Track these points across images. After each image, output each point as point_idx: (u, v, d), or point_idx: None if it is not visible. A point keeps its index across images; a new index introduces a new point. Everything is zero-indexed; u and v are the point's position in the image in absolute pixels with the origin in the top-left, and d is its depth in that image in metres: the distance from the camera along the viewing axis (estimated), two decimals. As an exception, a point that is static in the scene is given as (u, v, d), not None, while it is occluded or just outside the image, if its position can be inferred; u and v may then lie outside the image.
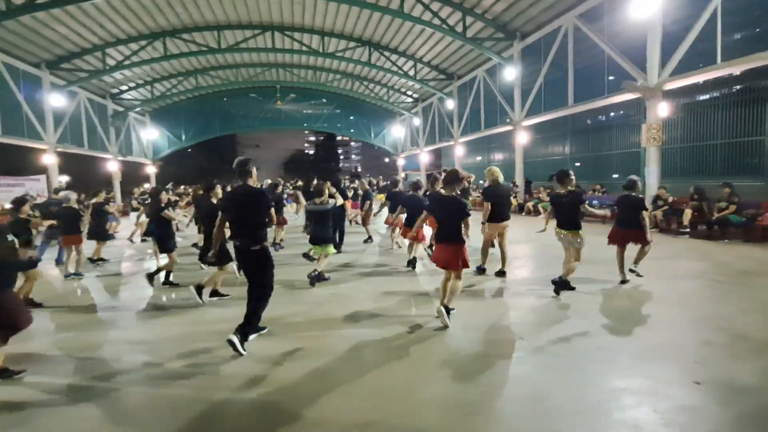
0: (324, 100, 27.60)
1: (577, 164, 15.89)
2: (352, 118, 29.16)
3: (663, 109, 9.81)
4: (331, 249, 6.10)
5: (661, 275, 5.63)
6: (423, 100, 25.07)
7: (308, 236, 6.25)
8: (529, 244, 8.60)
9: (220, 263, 5.08)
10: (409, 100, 25.83)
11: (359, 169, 78.76)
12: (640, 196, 5.57)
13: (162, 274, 6.07)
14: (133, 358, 3.62)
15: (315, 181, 8.35)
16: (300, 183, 20.43)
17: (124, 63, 16.81)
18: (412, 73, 20.07)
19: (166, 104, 25.36)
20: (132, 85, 20.97)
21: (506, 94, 16.24)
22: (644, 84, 9.85)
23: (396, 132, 29.20)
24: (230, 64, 21.61)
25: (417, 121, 25.87)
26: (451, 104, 20.57)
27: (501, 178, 6.13)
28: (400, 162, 30.16)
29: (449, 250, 4.14)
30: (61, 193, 7.49)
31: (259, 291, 3.76)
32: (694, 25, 8.80)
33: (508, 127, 15.97)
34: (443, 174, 8.24)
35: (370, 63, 19.20)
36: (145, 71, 19.73)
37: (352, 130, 30.42)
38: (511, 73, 14.97)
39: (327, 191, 6.08)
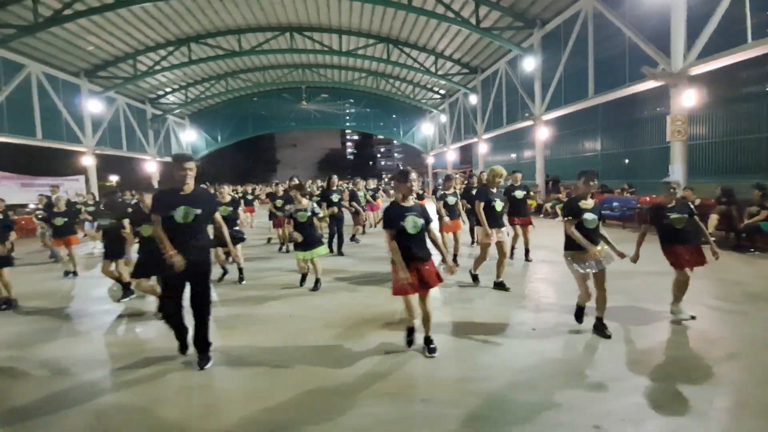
0: (351, 100, 27.74)
1: (626, 161, 14.14)
2: (381, 116, 29.05)
3: (689, 98, 8.55)
4: (322, 250, 5.54)
5: (647, 297, 4.68)
6: (450, 96, 24.25)
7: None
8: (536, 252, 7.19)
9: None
10: (437, 96, 25.14)
11: (401, 168, 78.62)
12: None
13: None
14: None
15: (293, 182, 8.10)
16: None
17: (155, 68, 17.82)
18: (434, 68, 19.43)
19: (202, 107, 26.70)
20: (168, 90, 22.27)
21: (528, 87, 15.16)
22: (667, 69, 8.64)
23: (425, 130, 28.60)
24: (257, 66, 22.24)
25: (444, 118, 25.11)
26: (474, 99, 19.67)
27: (496, 177, 5.21)
28: (430, 160, 29.50)
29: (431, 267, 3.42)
30: (54, 196, 7.94)
31: None
32: (721, 2, 7.54)
33: (529, 122, 14.91)
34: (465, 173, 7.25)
35: (389, 59, 18.83)
36: (178, 76, 20.83)
37: (382, 129, 30.27)
38: (530, 64, 13.94)
39: (300, 195, 5.50)
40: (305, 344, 3.83)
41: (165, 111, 23.60)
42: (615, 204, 10.84)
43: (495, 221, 5.20)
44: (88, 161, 17.18)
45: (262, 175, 38.14)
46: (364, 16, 16.44)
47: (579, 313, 3.93)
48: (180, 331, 3.42)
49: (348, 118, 29.38)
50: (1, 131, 13.28)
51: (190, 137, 27.03)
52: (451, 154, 25.14)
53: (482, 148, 19.98)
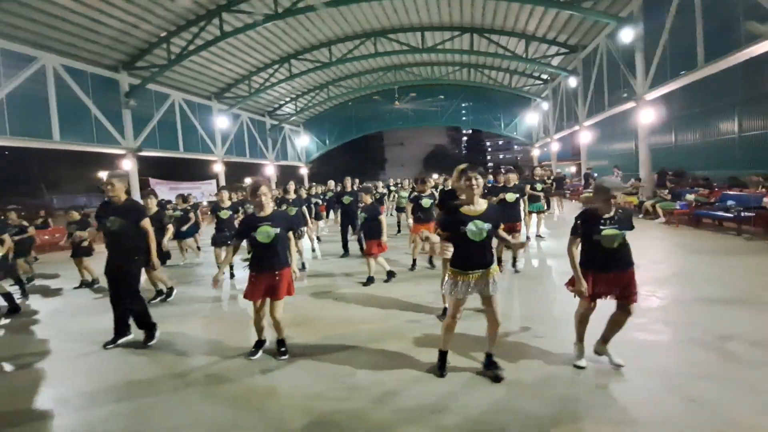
0: (442, 97, 27.42)
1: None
2: (480, 109, 27.97)
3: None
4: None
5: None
6: (552, 80, 21.91)
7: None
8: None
9: None
10: (539, 82, 22.98)
11: (519, 160, 73.76)
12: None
13: None
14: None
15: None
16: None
17: (265, 85, 20.61)
18: (526, 53, 17.86)
19: (312, 114, 29.67)
20: (282, 102, 25.45)
21: (629, 63, 12.85)
22: (791, 22, 6.47)
23: (529, 120, 26.42)
24: (353, 73, 23.68)
25: (546, 106, 22.83)
26: (574, 82, 17.45)
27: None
28: (535, 153, 27.17)
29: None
30: None
31: None
32: None
33: (631, 104, 12.64)
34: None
35: (474, 50, 18.07)
36: (288, 90, 23.62)
37: (481, 122, 29.06)
38: (628, 35, 11.79)
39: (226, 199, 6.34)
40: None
41: (281, 121, 27.02)
42: (730, 202, 8.50)
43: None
44: (218, 168, 20.92)
45: (370, 173, 40.40)
46: (441, 9, 16.15)
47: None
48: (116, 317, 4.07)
49: (429, 114, 28.80)
50: (155, 147, 17.22)
51: (303, 142, 30.35)
52: (555, 145, 22.71)
53: (584, 137, 17.61)
